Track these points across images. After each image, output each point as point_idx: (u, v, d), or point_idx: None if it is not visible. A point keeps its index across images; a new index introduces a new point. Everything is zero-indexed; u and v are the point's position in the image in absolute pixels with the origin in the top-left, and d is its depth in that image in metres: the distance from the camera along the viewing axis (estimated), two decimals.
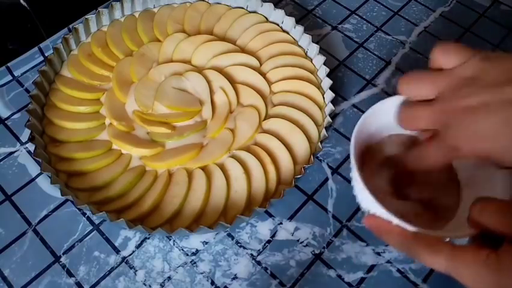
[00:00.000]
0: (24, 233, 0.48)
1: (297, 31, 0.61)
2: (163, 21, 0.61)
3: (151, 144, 0.52)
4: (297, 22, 0.61)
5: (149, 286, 0.46)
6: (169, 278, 0.46)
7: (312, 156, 0.50)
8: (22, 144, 0.54)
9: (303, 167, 0.49)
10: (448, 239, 0.31)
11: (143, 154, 0.51)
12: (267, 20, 0.63)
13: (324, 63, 0.57)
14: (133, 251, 0.48)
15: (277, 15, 0.62)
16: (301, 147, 0.52)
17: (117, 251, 0.47)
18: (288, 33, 0.62)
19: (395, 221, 0.31)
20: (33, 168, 0.52)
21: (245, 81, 0.57)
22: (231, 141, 0.52)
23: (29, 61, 0.59)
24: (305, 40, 0.60)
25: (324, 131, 0.52)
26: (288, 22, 0.62)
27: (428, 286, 0.47)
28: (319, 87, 0.57)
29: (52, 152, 0.50)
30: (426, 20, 0.68)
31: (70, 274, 0.46)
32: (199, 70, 0.57)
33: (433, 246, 0.30)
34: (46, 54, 0.60)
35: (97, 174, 0.49)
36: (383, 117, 0.37)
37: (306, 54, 0.60)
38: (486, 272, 0.27)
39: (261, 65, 0.59)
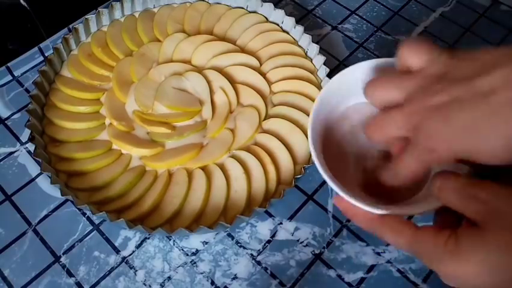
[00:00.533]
0: (24, 233, 0.48)
1: (297, 31, 0.61)
2: (163, 21, 0.61)
3: (151, 144, 0.52)
4: (297, 22, 0.61)
5: (149, 286, 0.46)
6: (169, 278, 0.46)
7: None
8: (22, 144, 0.54)
9: (303, 167, 0.49)
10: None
11: (143, 154, 0.51)
12: (267, 20, 0.63)
13: (324, 63, 0.57)
14: (133, 251, 0.48)
15: (277, 15, 0.62)
16: (301, 147, 0.52)
17: (117, 251, 0.47)
18: (288, 33, 0.62)
19: (359, 204, 0.31)
20: (33, 168, 0.52)
21: (245, 81, 0.57)
22: (231, 141, 0.52)
23: (29, 61, 0.59)
24: (305, 40, 0.60)
25: None
26: (288, 22, 0.62)
27: (428, 286, 0.47)
28: (319, 87, 0.57)
29: (52, 152, 0.50)
30: (426, 20, 0.68)
31: (70, 274, 0.46)
32: (199, 70, 0.57)
33: (396, 229, 0.30)
34: (46, 54, 0.60)
35: (97, 174, 0.49)
36: (339, 92, 0.36)
37: (306, 54, 0.60)
38: (444, 257, 0.27)
39: (261, 65, 0.59)
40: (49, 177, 0.46)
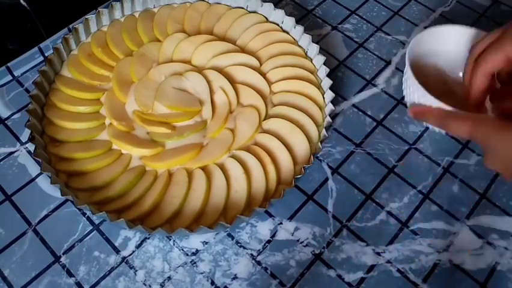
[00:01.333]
0: (24, 233, 0.48)
1: (297, 31, 0.61)
2: (163, 21, 0.61)
3: (151, 144, 0.52)
4: (297, 22, 0.61)
5: (149, 286, 0.46)
6: (169, 278, 0.46)
7: (312, 156, 0.50)
8: (22, 144, 0.54)
9: (303, 167, 0.49)
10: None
11: (143, 154, 0.51)
12: (267, 20, 0.63)
13: (324, 63, 0.57)
14: (133, 251, 0.48)
15: (277, 15, 0.62)
16: (301, 147, 0.52)
17: (117, 251, 0.47)
18: (288, 33, 0.62)
19: (435, 103, 0.41)
20: (33, 168, 0.52)
21: (245, 81, 0.57)
22: (231, 141, 0.52)
23: (29, 61, 0.59)
24: (305, 40, 0.60)
25: (324, 131, 0.52)
26: (288, 22, 0.61)
27: (428, 286, 0.47)
28: (319, 87, 0.57)
29: (52, 152, 0.50)
30: (426, 20, 0.68)
31: (70, 274, 0.46)
32: (199, 70, 0.57)
33: (461, 117, 0.38)
34: (46, 54, 0.60)
35: (97, 174, 0.49)
36: (439, 42, 0.49)
37: (306, 54, 0.60)
38: (504, 128, 0.33)
39: (261, 65, 0.59)
40: (49, 177, 0.46)
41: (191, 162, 0.51)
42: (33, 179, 0.51)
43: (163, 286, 0.46)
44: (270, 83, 0.57)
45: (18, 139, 0.54)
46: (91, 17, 0.58)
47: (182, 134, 0.52)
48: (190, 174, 0.50)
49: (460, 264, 0.48)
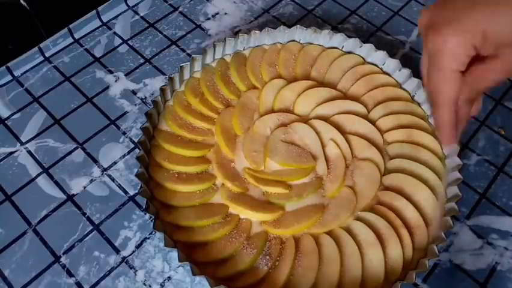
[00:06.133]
0: (24, 233, 0.48)
1: (402, 74, 0.55)
2: (256, 66, 0.56)
3: (270, 207, 0.47)
4: (297, 22, 0.61)
5: (149, 286, 0.46)
6: (169, 278, 0.46)
7: (450, 220, 0.44)
8: (22, 144, 0.54)
9: (444, 233, 0.43)
10: None
11: (264, 219, 0.46)
12: (364, 62, 0.58)
13: None
14: (133, 251, 0.48)
15: (378, 56, 0.57)
16: (429, 206, 0.47)
17: (117, 251, 0.47)
18: (389, 75, 0.56)
19: None
20: (33, 168, 0.52)
21: (356, 131, 0.51)
22: (353, 201, 0.47)
23: (29, 61, 0.59)
24: (412, 83, 0.55)
25: (456, 189, 0.46)
26: (391, 64, 0.56)
27: (428, 286, 0.47)
28: (433, 135, 0.52)
29: (167, 220, 0.45)
30: None
31: (70, 274, 0.46)
32: (304, 120, 0.52)
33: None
34: (46, 55, 0.60)
35: (220, 244, 0.44)
36: None
37: (412, 98, 0.55)
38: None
39: (368, 112, 0.53)
40: (177, 250, 0.41)
41: (315, 227, 0.46)
42: (33, 179, 0.51)
43: (163, 286, 0.46)
44: (381, 133, 0.52)
45: (18, 139, 0.54)
46: (186, 64, 0.54)
47: (302, 195, 0.47)
48: (316, 240, 0.45)
49: (460, 264, 0.48)
